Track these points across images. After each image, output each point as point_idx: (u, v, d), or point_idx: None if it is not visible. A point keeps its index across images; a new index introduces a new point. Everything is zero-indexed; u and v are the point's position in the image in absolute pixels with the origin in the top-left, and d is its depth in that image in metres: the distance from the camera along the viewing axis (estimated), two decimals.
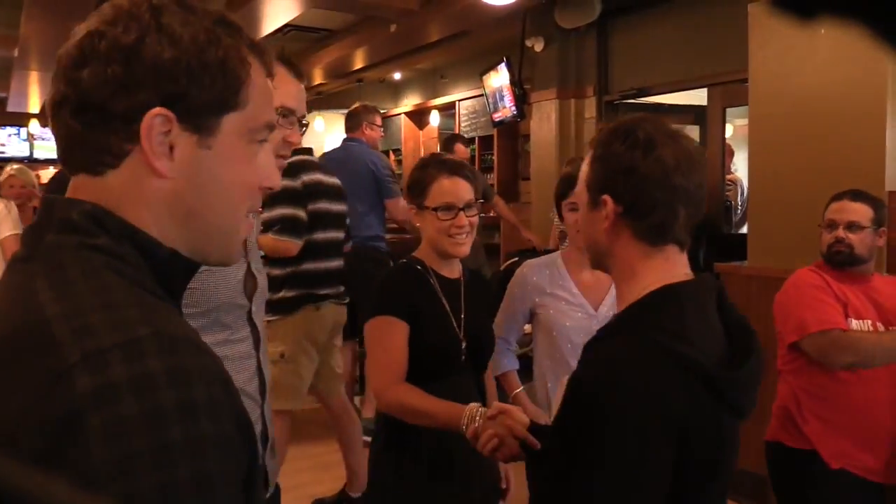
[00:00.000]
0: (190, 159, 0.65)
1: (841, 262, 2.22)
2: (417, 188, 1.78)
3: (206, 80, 0.64)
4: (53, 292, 0.57)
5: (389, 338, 1.70)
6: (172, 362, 0.54)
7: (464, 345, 1.76)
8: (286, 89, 1.31)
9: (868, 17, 0.32)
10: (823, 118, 3.27)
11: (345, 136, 4.22)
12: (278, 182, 0.74)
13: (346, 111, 4.30)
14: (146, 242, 0.65)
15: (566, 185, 2.06)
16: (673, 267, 1.08)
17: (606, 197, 1.08)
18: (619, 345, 1.02)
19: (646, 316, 1.04)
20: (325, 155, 4.24)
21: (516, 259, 4.37)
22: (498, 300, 2.21)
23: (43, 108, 9.19)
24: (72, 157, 0.66)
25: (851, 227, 2.20)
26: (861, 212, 2.22)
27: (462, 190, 1.75)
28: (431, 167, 1.79)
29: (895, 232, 2.97)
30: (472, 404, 1.53)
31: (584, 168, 1.14)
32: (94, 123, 0.63)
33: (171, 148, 0.64)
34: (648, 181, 1.05)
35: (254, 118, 0.69)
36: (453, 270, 1.83)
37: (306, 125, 1.38)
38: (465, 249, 1.77)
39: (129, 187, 0.64)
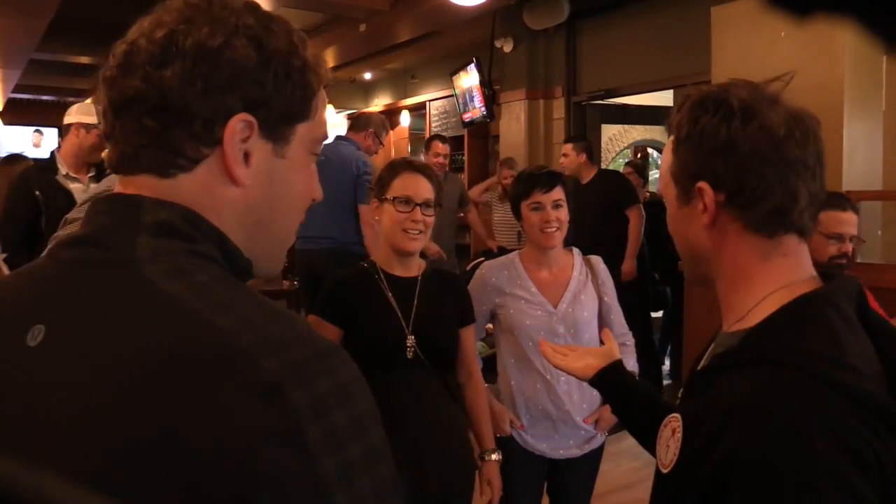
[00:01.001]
0: (265, 168, 0.64)
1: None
2: (381, 183, 1.84)
3: (288, 88, 0.63)
4: (201, 300, 0.55)
5: None
6: (352, 373, 0.57)
7: (411, 339, 1.77)
8: None
9: (862, 14, 0.33)
10: None
11: (343, 134, 4.16)
12: (321, 194, 0.73)
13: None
14: (233, 250, 0.63)
15: (527, 184, 2.07)
16: (795, 265, 0.87)
17: (703, 184, 0.86)
18: (763, 382, 0.77)
19: (787, 339, 0.80)
20: None
21: (482, 259, 4.41)
22: None
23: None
24: (140, 157, 0.62)
25: (853, 240, 2.16)
26: (856, 222, 2.17)
27: (422, 187, 1.79)
28: (398, 166, 1.85)
29: None
30: None
31: (666, 157, 0.92)
32: (172, 125, 0.60)
33: (247, 156, 0.63)
34: (755, 157, 0.83)
35: (316, 129, 0.68)
36: (409, 269, 1.85)
37: None
38: (416, 246, 1.80)
39: (201, 193, 0.62)
